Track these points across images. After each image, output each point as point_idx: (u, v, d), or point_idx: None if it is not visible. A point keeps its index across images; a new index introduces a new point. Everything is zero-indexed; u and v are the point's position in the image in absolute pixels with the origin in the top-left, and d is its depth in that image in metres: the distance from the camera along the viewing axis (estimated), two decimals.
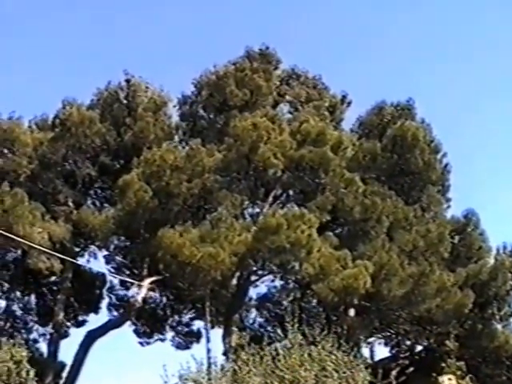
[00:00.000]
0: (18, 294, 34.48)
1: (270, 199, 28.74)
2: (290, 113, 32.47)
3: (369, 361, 27.71)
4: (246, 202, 28.77)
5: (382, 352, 33.18)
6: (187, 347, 34.27)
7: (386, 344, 33.57)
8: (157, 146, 28.60)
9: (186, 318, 34.88)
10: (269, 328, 33.32)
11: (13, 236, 25.61)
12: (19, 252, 31.57)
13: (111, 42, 56.76)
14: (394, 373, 27.53)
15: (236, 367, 18.40)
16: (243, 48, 32.04)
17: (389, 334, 32.70)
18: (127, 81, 32.18)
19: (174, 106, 32.93)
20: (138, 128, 30.60)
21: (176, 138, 32.35)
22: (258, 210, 29.27)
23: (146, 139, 30.17)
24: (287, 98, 32.70)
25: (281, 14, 58.99)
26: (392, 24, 59.65)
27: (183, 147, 30.59)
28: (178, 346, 34.57)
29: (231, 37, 54.10)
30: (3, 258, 32.62)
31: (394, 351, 33.18)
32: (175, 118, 33.01)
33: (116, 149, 31.50)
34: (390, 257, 26.54)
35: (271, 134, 27.58)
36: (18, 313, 34.66)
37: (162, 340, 34.80)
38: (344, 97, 33.82)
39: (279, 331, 20.33)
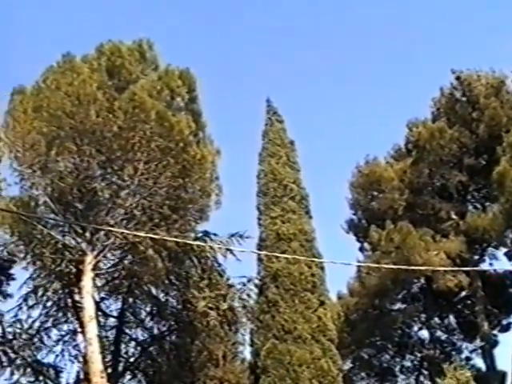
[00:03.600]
0: (437, 319, 34.68)
1: None
2: None
3: None
4: None
5: None
6: None
7: None
8: None
9: None
10: None
11: (414, 267, 26.05)
12: (422, 280, 32.15)
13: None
14: None
15: None
16: None
17: None
18: (457, 78, 31.91)
19: None
20: (487, 118, 30.09)
21: None
22: None
23: (500, 124, 29.50)
24: None
25: None
26: None
27: None
28: None
29: None
30: (409, 291, 33.30)
31: None
32: None
33: (475, 146, 31.15)
34: None
35: None
36: (443, 337, 34.81)
37: None
38: None
39: None
